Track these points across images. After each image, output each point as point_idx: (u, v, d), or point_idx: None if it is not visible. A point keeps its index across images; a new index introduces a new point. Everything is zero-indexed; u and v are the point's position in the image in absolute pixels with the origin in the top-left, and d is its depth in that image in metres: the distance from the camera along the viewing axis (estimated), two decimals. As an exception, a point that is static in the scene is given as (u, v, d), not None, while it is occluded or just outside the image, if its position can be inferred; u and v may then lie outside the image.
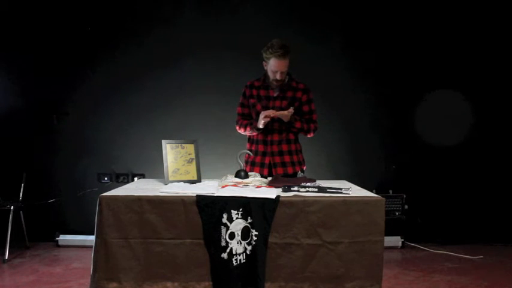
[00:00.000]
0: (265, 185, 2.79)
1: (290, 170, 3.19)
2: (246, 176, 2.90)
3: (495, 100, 4.89)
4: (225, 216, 2.39)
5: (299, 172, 3.20)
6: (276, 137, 3.18)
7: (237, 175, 2.91)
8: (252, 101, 3.22)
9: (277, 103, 3.16)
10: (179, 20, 4.81)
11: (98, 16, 4.78)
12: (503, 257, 4.46)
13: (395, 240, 4.71)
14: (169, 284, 2.39)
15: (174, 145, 2.88)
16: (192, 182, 2.84)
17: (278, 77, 3.07)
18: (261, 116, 3.06)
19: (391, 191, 4.78)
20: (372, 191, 2.77)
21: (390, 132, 4.91)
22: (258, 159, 3.21)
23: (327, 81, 4.64)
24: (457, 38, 4.84)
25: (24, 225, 4.48)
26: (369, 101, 4.89)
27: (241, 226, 2.39)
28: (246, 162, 3.27)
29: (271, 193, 2.48)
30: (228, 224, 2.39)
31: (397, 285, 3.70)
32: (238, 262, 2.38)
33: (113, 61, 4.82)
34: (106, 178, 4.84)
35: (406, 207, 4.76)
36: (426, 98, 4.82)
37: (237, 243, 2.39)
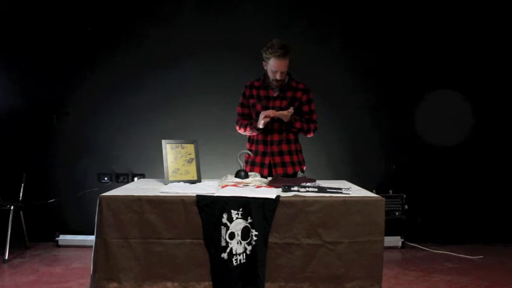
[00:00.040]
0: (265, 185, 2.79)
1: (290, 170, 3.19)
2: (246, 176, 2.90)
3: (495, 100, 4.89)
4: (225, 216, 2.39)
5: (299, 172, 3.20)
6: (276, 137, 3.18)
7: (237, 175, 2.91)
8: (252, 101, 3.22)
9: (277, 103, 3.16)
10: (179, 20, 4.81)
11: (98, 16, 4.78)
12: (503, 257, 4.46)
13: (395, 240, 4.71)
14: (169, 284, 2.39)
15: (174, 145, 2.88)
16: (192, 182, 2.84)
17: (278, 77, 3.07)
18: (261, 116, 3.06)
19: (391, 191, 4.78)
20: (372, 191, 2.77)
21: (390, 132, 4.91)
22: (258, 159, 3.21)
23: (327, 81, 4.64)
24: (457, 38, 4.84)
25: (24, 225, 4.48)
26: (369, 101, 4.89)
27: (241, 226, 2.39)
28: (246, 162, 3.27)
29: (271, 193, 2.48)
30: (228, 224, 2.39)
31: (397, 285, 3.70)
32: (238, 262, 2.38)
33: (113, 61, 4.82)
34: (106, 178, 4.84)
35: (406, 207, 4.76)
36: (426, 98, 4.82)
37: (237, 243, 2.39)
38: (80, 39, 4.77)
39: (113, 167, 4.86)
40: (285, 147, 3.20)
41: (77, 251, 4.51)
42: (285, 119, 3.07)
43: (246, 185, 2.77)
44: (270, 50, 3.02)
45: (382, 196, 2.50)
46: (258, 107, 3.18)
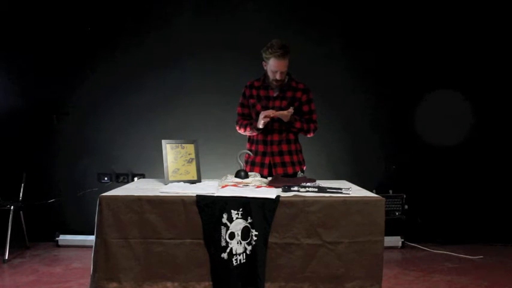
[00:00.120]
0: (265, 185, 2.79)
1: (290, 170, 3.19)
2: (246, 176, 2.90)
3: (495, 100, 4.89)
4: (225, 216, 2.39)
5: (299, 172, 3.20)
6: (276, 137, 3.18)
7: (237, 175, 2.91)
8: (251, 101, 3.22)
9: (277, 103, 3.16)
10: (179, 20, 4.81)
11: (98, 16, 4.78)
12: (503, 257, 4.46)
13: (395, 240, 4.71)
14: (169, 284, 2.39)
15: (174, 145, 2.88)
16: (192, 182, 2.84)
17: (278, 77, 3.07)
18: (261, 116, 3.06)
19: (391, 191, 4.78)
20: (372, 191, 2.77)
21: (390, 132, 4.91)
22: (258, 159, 3.21)
23: (327, 81, 4.64)
24: (457, 38, 4.84)
25: (24, 225, 4.48)
26: (369, 101, 4.89)
27: (241, 226, 2.39)
28: (246, 162, 3.27)
29: (271, 193, 2.48)
30: (228, 224, 2.39)
31: (397, 285, 3.70)
32: (238, 262, 2.38)
33: (113, 61, 4.83)
34: (106, 178, 4.84)
35: (406, 207, 4.76)
36: (426, 98, 4.82)
37: (237, 243, 2.39)
38: (80, 39, 4.77)
39: (113, 167, 4.86)
40: (285, 147, 3.20)
41: (77, 251, 4.51)
42: (285, 119, 3.07)
43: (246, 185, 2.77)
44: (269, 50, 3.02)
45: (382, 196, 2.50)
46: (258, 107, 3.18)
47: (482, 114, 4.87)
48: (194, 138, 3.00)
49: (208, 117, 4.76)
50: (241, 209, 2.40)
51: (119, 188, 2.72)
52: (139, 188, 2.72)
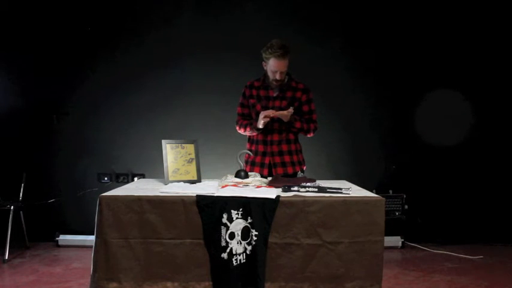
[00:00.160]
0: (265, 185, 2.79)
1: (290, 170, 3.19)
2: (246, 176, 2.90)
3: (495, 100, 4.89)
4: (225, 216, 2.39)
5: (299, 172, 3.20)
6: (275, 137, 3.18)
7: (237, 175, 2.91)
8: (251, 101, 3.22)
9: (277, 103, 3.16)
10: (179, 20, 4.81)
11: (98, 16, 4.78)
12: (503, 257, 4.46)
13: (395, 240, 4.71)
14: (169, 284, 2.39)
15: (174, 145, 2.88)
16: (192, 182, 2.84)
17: (278, 77, 3.07)
18: (261, 116, 3.06)
19: (391, 191, 4.78)
20: (372, 191, 2.77)
21: (390, 132, 4.91)
22: (258, 159, 3.21)
23: (327, 81, 4.64)
24: (457, 38, 4.84)
25: (24, 225, 4.48)
26: (369, 101, 4.89)
27: (241, 226, 2.39)
28: (246, 162, 3.27)
29: (271, 193, 2.48)
30: (228, 224, 2.39)
31: (397, 285, 3.70)
32: (238, 262, 2.38)
33: (113, 61, 4.83)
34: (106, 178, 4.84)
35: (406, 207, 4.76)
36: (426, 98, 4.82)
37: (237, 243, 2.39)
38: (80, 39, 4.77)
39: (113, 167, 4.86)
40: (284, 147, 3.20)
41: (77, 251, 4.51)
42: (285, 119, 3.07)
43: (246, 185, 2.77)
44: (269, 50, 3.02)
45: (382, 196, 2.50)
46: (258, 107, 3.18)
47: (482, 114, 4.87)
48: (194, 138, 3.00)
49: (208, 117, 4.76)
50: (241, 209, 2.40)
51: (118, 188, 2.72)
52: (139, 188, 2.72)
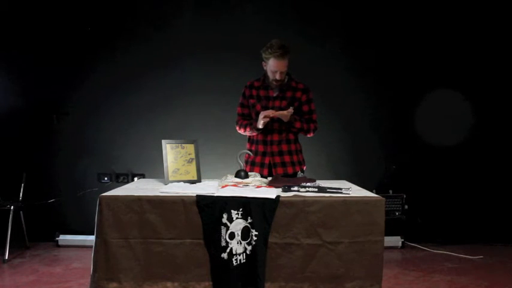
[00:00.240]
0: (265, 185, 2.79)
1: (290, 170, 3.19)
2: (246, 176, 2.90)
3: (495, 100, 4.89)
4: (225, 216, 2.39)
5: (299, 172, 3.20)
6: (275, 137, 3.18)
7: (237, 175, 2.91)
8: (251, 101, 3.22)
9: (277, 103, 3.16)
10: (179, 20, 4.81)
11: (98, 16, 4.78)
12: (503, 257, 4.46)
13: (395, 240, 4.71)
14: (169, 284, 2.39)
15: (174, 145, 2.88)
16: (192, 182, 2.84)
17: (277, 77, 3.07)
18: (261, 116, 3.06)
19: (391, 191, 4.78)
20: (372, 191, 2.77)
21: (390, 132, 4.91)
22: (258, 159, 3.21)
23: (327, 81, 4.64)
24: (457, 38, 4.84)
25: (24, 225, 4.48)
26: (369, 101, 4.89)
27: (241, 226, 2.39)
28: (246, 162, 3.27)
29: (271, 193, 2.48)
30: (228, 224, 2.39)
31: (397, 285, 3.70)
32: (238, 262, 2.38)
33: (113, 61, 4.82)
34: (106, 178, 4.84)
35: (406, 207, 4.76)
36: (426, 97, 4.82)
37: (237, 243, 2.39)
38: (80, 39, 4.77)
39: (113, 167, 4.86)
40: (284, 147, 3.20)
41: (77, 251, 4.51)
42: (285, 119, 3.07)
43: (246, 185, 2.77)
44: (269, 50, 3.02)
45: (382, 196, 2.50)
46: (258, 107, 3.18)
47: (482, 114, 4.87)
48: (194, 138, 3.00)
49: (208, 117, 4.76)
50: (241, 209, 2.40)
51: (118, 188, 2.72)
52: (139, 188, 2.72)
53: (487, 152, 4.90)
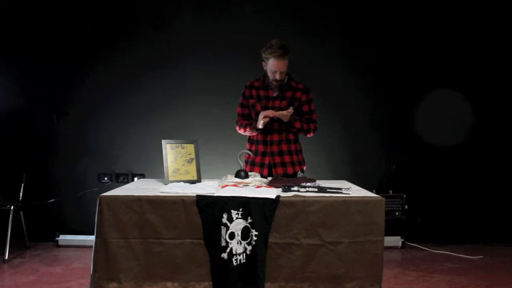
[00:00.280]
0: (265, 185, 2.79)
1: (290, 170, 3.19)
2: (246, 176, 2.90)
3: (495, 100, 4.89)
4: (225, 216, 2.39)
5: (299, 172, 3.20)
6: (275, 137, 3.18)
7: (237, 175, 2.91)
8: (251, 101, 3.22)
9: (277, 103, 3.16)
10: (179, 20, 4.81)
11: (98, 16, 4.78)
12: (503, 257, 4.46)
13: (395, 240, 4.71)
14: (169, 284, 2.39)
15: (174, 145, 2.88)
16: (192, 182, 2.84)
17: (277, 77, 3.07)
18: (260, 116, 3.06)
19: (391, 191, 4.78)
20: (372, 191, 2.77)
21: (390, 132, 4.91)
22: (258, 159, 3.21)
23: (327, 81, 4.64)
24: (457, 38, 4.84)
25: (24, 225, 4.48)
26: (369, 101, 4.89)
27: (241, 226, 2.39)
28: (246, 162, 3.27)
29: (271, 193, 2.48)
30: (228, 224, 2.39)
31: (397, 285, 3.70)
32: (238, 262, 2.38)
33: (112, 61, 4.83)
34: (106, 178, 4.84)
35: (406, 207, 4.76)
36: (426, 97, 4.82)
37: (237, 243, 2.39)
38: (80, 39, 4.77)
39: (113, 167, 4.86)
40: (284, 147, 3.20)
41: (77, 251, 4.51)
42: (285, 119, 3.07)
43: (246, 185, 2.77)
44: (269, 50, 3.02)
45: (382, 196, 2.50)
46: (258, 107, 3.18)
47: (482, 114, 4.87)
48: (194, 138, 3.00)
49: (208, 117, 4.76)
50: (241, 209, 2.40)
51: (118, 188, 2.72)
52: (139, 188, 2.72)
53: (487, 152, 4.90)
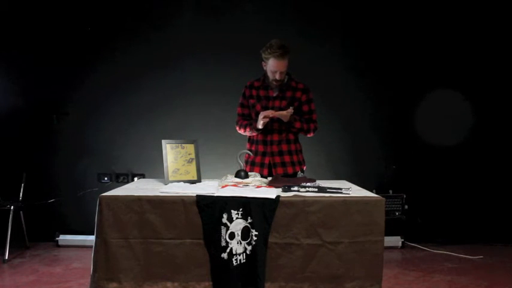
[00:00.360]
0: (265, 185, 2.79)
1: (290, 170, 3.19)
2: (246, 176, 2.90)
3: (495, 100, 4.89)
4: (225, 216, 2.39)
5: (299, 172, 3.20)
6: (275, 137, 3.18)
7: (237, 175, 2.91)
8: (251, 101, 3.22)
9: (277, 103, 3.16)
10: (179, 20, 4.81)
11: (98, 16, 4.78)
12: (503, 257, 4.46)
13: (395, 240, 4.71)
14: (169, 284, 2.39)
15: (174, 145, 2.88)
16: (192, 182, 2.84)
17: (277, 77, 3.07)
18: (260, 116, 3.06)
19: (391, 191, 4.78)
20: (372, 191, 2.77)
21: (390, 132, 4.91)
22: (258, 159, 3.21)
23: (327, 81, 4.64)
24: (457, 38, 4.84)
25: (24, 225, 4.48)
26: (369, 101, 4.89)
27: (241, 226, 2.39)
28: (246, 162, 3.27)
29: (271, 193, 2.48)
30: (228, 224, 2.39)
31: (397, 285, 3.70)
32: (238, 262, 2.38)
33: (112, 61, 4.83)
34: (106, 178, 4.84)
35: (406, 207, 4.76)
36: (426, 98, 4.82)
37: (237, 243, 2.39)
38: (80, 39, 4.77)
39: (113, 167, 4.86)
40: (284, 147, 3.20)
41: (77, 251, 4.51)
42: (285, 119, 3.07)
43: (246, 185, 2.77)
44: (269, 50, 3.01)
45: (382, 196, 2.50)
46: (258, 107, 3.18)
47: (482, 114, 4.87)
48: (194, 138, 3.00)
49: (208, 117, 4.76)
50: (241, 209, 2.40)
51: (118, 188, 2.72)
52: (139, 188, 2.72)
53: (487, 152, 4.90)
